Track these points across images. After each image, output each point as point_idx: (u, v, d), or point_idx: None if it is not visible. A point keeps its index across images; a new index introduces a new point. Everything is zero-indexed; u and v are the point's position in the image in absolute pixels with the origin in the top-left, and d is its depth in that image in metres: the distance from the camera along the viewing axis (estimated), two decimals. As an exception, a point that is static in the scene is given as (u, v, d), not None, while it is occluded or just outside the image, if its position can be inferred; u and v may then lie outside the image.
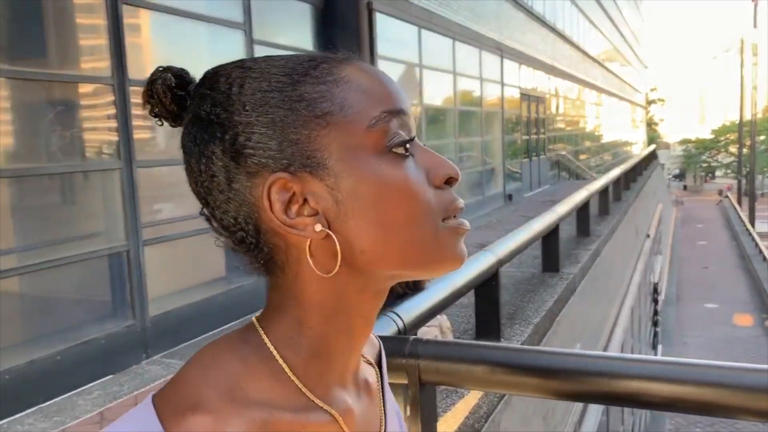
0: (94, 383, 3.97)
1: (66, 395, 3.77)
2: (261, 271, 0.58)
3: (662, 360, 1.63)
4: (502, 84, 13.89)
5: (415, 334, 2.30)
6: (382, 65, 8.10)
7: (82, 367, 3.96)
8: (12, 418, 3.51)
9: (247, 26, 5.73)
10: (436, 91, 10.66)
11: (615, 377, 1.53)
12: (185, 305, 4.88)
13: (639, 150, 36.24)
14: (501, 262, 3.23)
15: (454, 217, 0.57)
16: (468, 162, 12.05)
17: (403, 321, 2.04)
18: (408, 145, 0.56)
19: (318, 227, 0.53)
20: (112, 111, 4.49)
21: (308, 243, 0.54)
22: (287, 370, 0.55)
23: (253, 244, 0.56)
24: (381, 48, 7.92)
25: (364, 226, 0.54)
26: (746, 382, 1.48)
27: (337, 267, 0.54)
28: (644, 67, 53.11)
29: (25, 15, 4.03)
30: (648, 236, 13.87)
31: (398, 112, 0.56)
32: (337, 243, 0.53)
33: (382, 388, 0.69)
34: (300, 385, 0.55)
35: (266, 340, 0.56)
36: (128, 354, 4.33)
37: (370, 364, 0.68)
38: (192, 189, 0.57)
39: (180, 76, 0.59)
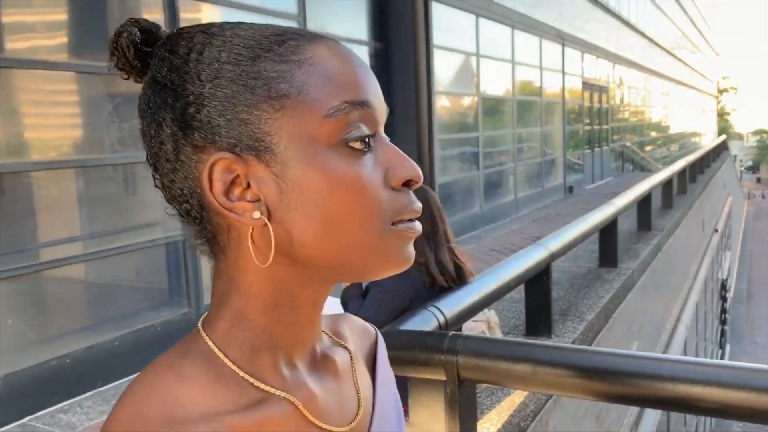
0: (148, 369, 4.07)
1: (123, 380, 3.88)
2: (206, 253, 0.56)
3: (718, 363, 1.55)
4: (563, 73, 13.56)
5: (459, 330, 2.25)
6: (439, 55, 8.01)
7: (138, 353, 4.07)
8: (72, 400, 3.64)
9: (301, 17, 5.76)
10: (494, 81, 10.49)
11: (664, 380, 1.46)
12: (239, 294, 4.96)
13: (709, 141, 34.87)
14: (553, 257, 3.14)
15: (408, 220, 0.54)
16: (527, 153, 11.83)
17: (444, 316, 2.00)
18: (368, 140, 0.52)
19: (256, 214, 0.51)
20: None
21: (250, 229, 0.52)
22: (231, 365, 0.53)
23: (197, 218, 0.54)
24: (437, 38, 7.83)
25: (305, 220, 0.51)
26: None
27: (271, 257, 0.51)
28: (715, 55, 50.99)
29: (87, 10, 4.15)
30: (716, 231, 13.34)
31: (361, 104, 0.52)
32: (271, 233, 0.51)
33: (374, 373, 0.66)
34: (248, 377, 0.53)
35: (208, 340, 0.54)
36: (183, 341, 4.42)
37: (343, 346, 0.65)
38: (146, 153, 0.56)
39: (149, 31, 0.56)
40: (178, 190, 0.53)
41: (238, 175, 0.51)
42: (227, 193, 0.51)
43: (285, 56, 0.51)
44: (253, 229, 0.52)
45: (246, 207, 0.51)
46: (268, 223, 0.51)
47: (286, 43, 0.52)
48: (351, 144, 0.51)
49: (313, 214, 0.51)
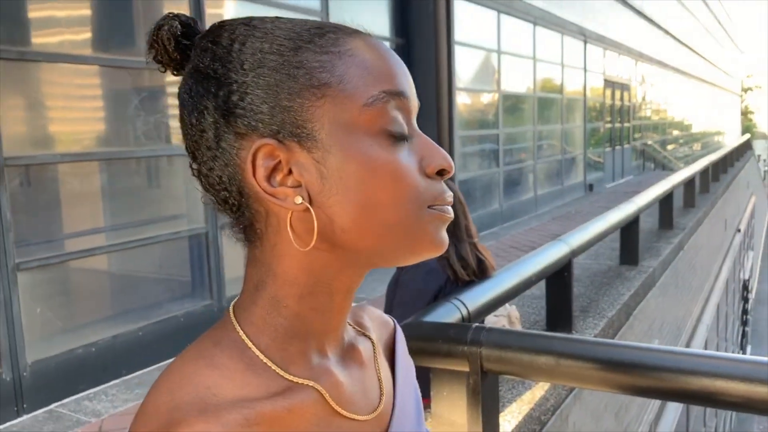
0: (172, 359, 4.13)
1: (146, 369, 3.94)
2: (241, 240, 0.58)
3: (740, 358, 1.55)
4: (585, 70, 13.47)
5: (481, 323, 2.27)
6: (460, 51, 8.00)
7: (161, 343, 4.13)
8: (98, 388, 3.71)
9: (323, 13, 5.79)
10: (515, 78, 10.45)
11: (687, 374, 1.47)
12: (260, 287, 5.00)
13: (732, 140, 34.41)
14: (574, 253, 3.14)
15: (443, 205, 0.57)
16: (547, 150, 11.78)
17: (467, 308, 2.02)
18: (405, 129, 0.55)
19: (298, 199, 0.52)
20: (194, 97, 4.63)
21: (289, 214, 0.53)
22: (259, 354, 0.55)
23: (235, 206, 0.55)
24: (458, 34, 7.82)
25: (346, 205, 0.53)
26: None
27: (313, 242, 0.53)
28: (740, 52, 50.25)
29: (113, 5, 4.21)
30: (738, 231, 13.19)
31: (398, 94, 0.55)
32: (314, 218, 0.53)
33: (393, 364, 0.68)
34: (275, 367, 0.55)
35: (239, 329, 0.56)
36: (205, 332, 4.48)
37: (366, 335, 0.67)
38: (184, 142, 0.57)
39: (188, 25, 0.58)
40: (217, 178, 0.55)
41: (279, 161, 0.53)
42: (269, 178, 0.53)
43: (326, 47, 0.54)
44: (292, 215, 0.53)
45: (287, 192, 0.52)
46: (310, 207, 0.52)
47: (326, 35, 0.54)
48: (389, 132, 0.53)
49: (354, 199, 0.53)
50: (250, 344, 0.55)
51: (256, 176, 0.52)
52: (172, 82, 4.79)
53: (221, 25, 0.56)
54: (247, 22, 0.55)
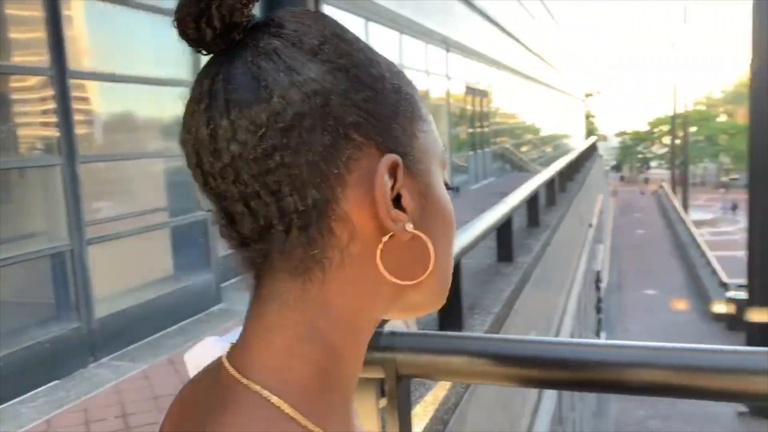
0: (38, 389, 3.78)
1: (9, 403, 3.58)
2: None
3: (646, 346, 1.64)
4: (448, 77, 13.99)
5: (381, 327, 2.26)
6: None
7: (25, 373, 3.77)
8: (-50, 430, 3.31)
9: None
10: (384, 84, 10.64)
11: (602, 365, 1.52)
12: (133, 305, 4.72)
13: (578, 142, 37.17)
14: (463, 251, 3.22)
15: None
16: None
17: (373, 314, 2.00)
18: None
19: (410, 226, 0.46)
20: (52, 105, 4.28)
21: (381, 244, 0.46)
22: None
23: (301, 226, 0.44)
24: (329, 40, 7.83)
25: (433, 243, 0.49)
26: (717, 363, 1.50)
27: (427, 273, 0.48)
28: (583, 61, 54.44)
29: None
30: (591, 225, 14.22)
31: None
32: (431, 247, 0.48)
33: None
34: None
35: (283, 404, 0.43)
36: (74, 358, 4.15)
37: None
38: (222, 124, 0.44)
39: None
40: (289, 185, 0.44)
41: (394, 183, 0.46)
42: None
43: (413, 87, 0.52)
44: (383, 244, 0.46)
45: (401, 217, 0.46)
46: (423, 235, 0.47)
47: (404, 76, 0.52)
48: (446, 182, 0.53)
49: (439, 239, 0.50)
50: (304, 422, 0.42)
51: (383, 194, 0.45)
52: (20, 87, 4.39)
53: (314, 14, 0.50)
54: (356, 37, 0.50)
